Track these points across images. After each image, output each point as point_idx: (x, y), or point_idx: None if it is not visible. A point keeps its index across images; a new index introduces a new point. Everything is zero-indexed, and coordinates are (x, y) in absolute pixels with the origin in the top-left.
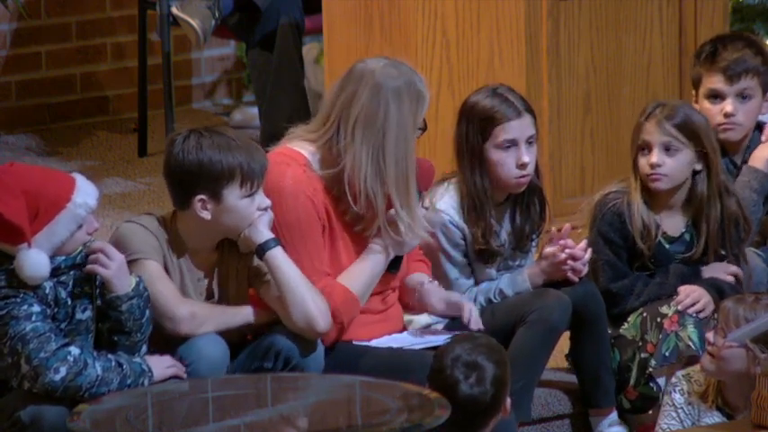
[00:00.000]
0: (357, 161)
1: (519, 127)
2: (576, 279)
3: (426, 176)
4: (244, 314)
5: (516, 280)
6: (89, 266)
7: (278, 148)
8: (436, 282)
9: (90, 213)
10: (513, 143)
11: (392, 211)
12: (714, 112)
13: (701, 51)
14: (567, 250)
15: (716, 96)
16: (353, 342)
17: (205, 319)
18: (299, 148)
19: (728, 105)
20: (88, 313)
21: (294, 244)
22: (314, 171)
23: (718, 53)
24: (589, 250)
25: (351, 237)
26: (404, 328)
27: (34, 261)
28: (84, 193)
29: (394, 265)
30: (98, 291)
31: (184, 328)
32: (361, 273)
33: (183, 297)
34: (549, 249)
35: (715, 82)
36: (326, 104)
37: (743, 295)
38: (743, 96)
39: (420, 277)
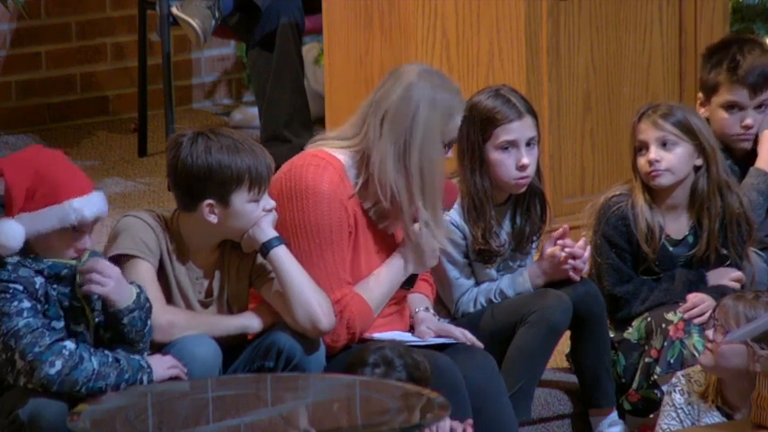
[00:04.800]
0: (382, 154)
1: (519, 128)
2: (578, 278)
3: (449, 196)
4: (235, 324)
5: (517, 280)
6: (84, 288)
7: (314, 150)
8: (432, 310)
9: (83, 226)
10: (513, 144)
11: (416, 226)
12: (731, 122)
13: (718, 59)
14: (566, 249)
15: (734, 107)
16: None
17: (184, 328)
18: (336, 153)
19: (749, 118)
20: (82, 327)
21: (321, 248)
22: (348, 178)
23: (740, 65)
24: (588, 248)
25: (374, 247)
26: (410, 330)
27: (11, 230)
28: (88, 202)
29: (409, 281)
30: (99, 304)
31: (158, 336)
32: (380, 285)
33: (168, 305)
34: (548, 250)
35: (738, 95)
36: (363, 106)
37: (742, 292)
38: (760, 106)
39: (420, 302)
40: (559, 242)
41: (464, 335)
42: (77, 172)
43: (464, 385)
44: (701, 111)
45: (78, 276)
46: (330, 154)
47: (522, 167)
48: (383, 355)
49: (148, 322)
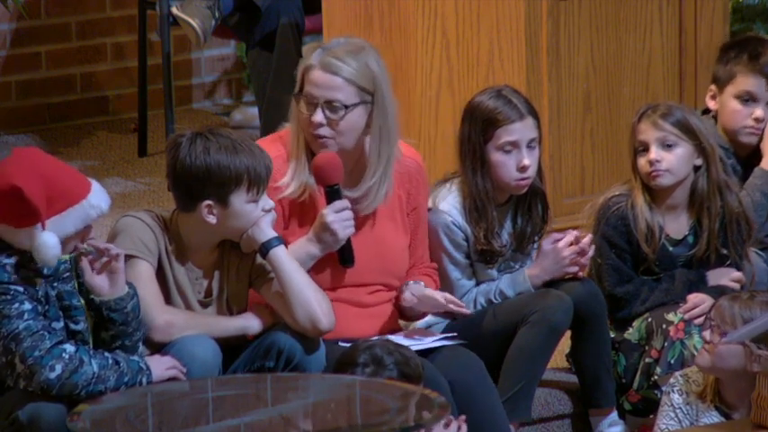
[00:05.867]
0: None
1: (520, 129)
2: (578, 273)
3: (332, 170)
4: (235, 325)
5: (517, 280)
6: (111, 252)
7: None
8: (422, 282)
9: (98, 218)
10: (514, 145)
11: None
12: (743, 114)
13: (738, 51)
14: (575, 245)
15: (748, 99)
16: (339, 343)
17: (182, 328)
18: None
19: (759, 110)
20: (82, 324)
21: None
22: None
23: (761, 56)
24: (593, 246)
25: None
26: (398, 329)
27: (53, 242)
28: (100, 196)
29: (346, 259)
30: (89, 295)
31: (157, 335)
32: None
33: (166, 305)
34: (548, 246)
35: (754, 85)
36: None
37: (738, 293)
38: None
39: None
40: (572, 233)
41: (445, 298)
42: (71, 168)
43: (449, 389)
44: (711, 104)
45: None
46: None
47: (522, 168)
48: (373, 354)
49: (141, 309)
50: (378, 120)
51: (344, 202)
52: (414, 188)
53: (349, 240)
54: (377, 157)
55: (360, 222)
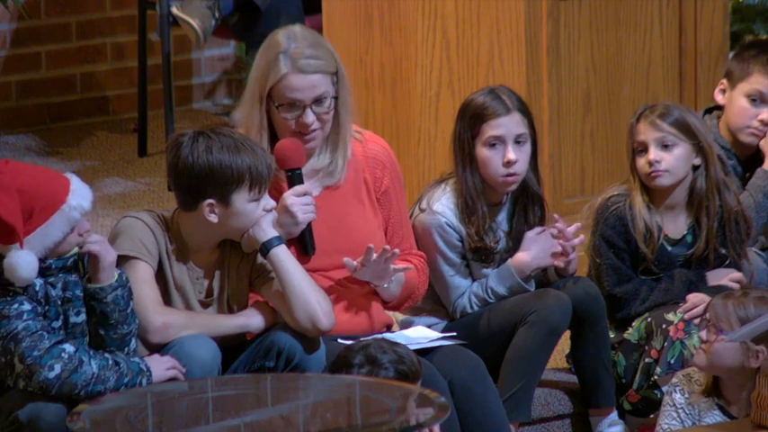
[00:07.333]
0: None
1: (506, 124)
2: (562, 264)
3: (294, 154)
4: (235, 323)
5: (503, 273)
6: (84, 249)
7: None
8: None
9: (83, 216)
10: (499, 140)
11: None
12: (750, 113)
13: (758, 51)
14: (558, 224)
15: (757, 99)
16: (339, 340)
17: (180, 329)
18: None
19: (766, 113)
20: (83, 316)
21: None
22: None
23: None
24: (581, 236)
25: None
26: (387, 328)
27: (25, 262)
28: (79, 195)
29: (306, 248)
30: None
31: (154, 337)
32: None
33: (165, 305)
34: (533, 233)
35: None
36: None
37: (731, 291)
38: None
39: None
40: (556, 224)
41: (371, 252)
42: (48, 171)
43: (447, 390)
44: (719, 97)
45: None
46: None
47: (508, 163)
48: (367, 354)
49: (131, 304)
50: (341, 94)
51: (306, 187)
52: (380, 171)
53: (310, 228)
54: (334, 133)
55: (325, 207)
